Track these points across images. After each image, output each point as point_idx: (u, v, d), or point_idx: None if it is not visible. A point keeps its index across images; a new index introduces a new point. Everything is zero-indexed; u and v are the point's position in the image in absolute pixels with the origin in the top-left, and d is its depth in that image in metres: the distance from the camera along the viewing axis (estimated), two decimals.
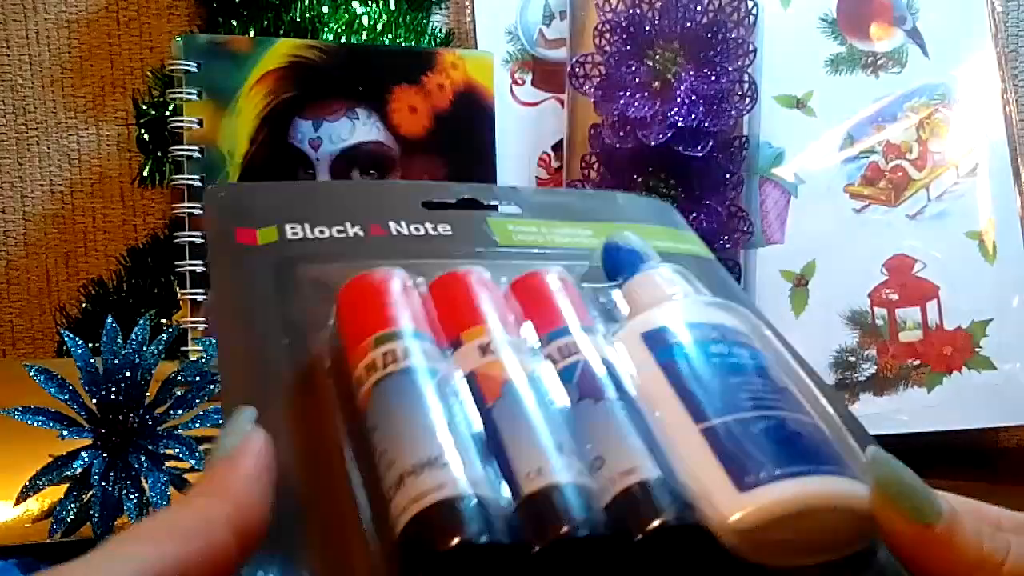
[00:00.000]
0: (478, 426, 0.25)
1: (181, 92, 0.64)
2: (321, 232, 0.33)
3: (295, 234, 0.32)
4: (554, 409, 0.26)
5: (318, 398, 0.27)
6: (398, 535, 0.23)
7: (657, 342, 0.28)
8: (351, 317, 0.28)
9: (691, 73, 0.63)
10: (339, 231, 0.33)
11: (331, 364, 0.28)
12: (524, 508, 0.23)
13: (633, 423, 0.26)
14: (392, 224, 0.34)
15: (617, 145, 0.63)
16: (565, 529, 0.23)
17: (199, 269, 0.63)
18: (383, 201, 0.36)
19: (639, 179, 0.64)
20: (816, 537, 0.24)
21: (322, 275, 0.30)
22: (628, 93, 0.63)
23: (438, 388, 0.26)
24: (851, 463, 0.26)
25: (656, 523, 0.23)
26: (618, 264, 0.33)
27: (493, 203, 0.37)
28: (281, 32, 0.67)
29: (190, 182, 0.64)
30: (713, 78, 0.63)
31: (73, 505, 0.50)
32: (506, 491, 0.24)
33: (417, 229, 0.34)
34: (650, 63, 0.64)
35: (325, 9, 0.67)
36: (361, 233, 0.33)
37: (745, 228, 0.64)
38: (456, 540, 0.22)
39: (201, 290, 0.63)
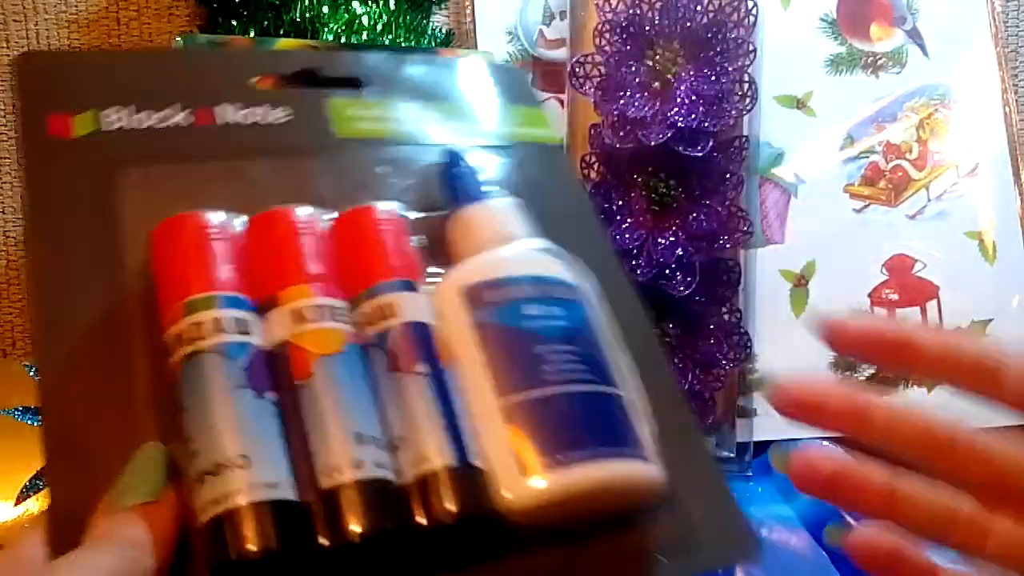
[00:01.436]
0: (285, 405, 0.26)
1: None
2: (141, 121, 0.30)
3: (114, 123, 0.30)
4: (362, 385, 0.26)
5: (125, 347, 0.27)
6: (197, 528, 0.24)
7: (474, 298, 0.29)
8: (164, 268, 0.27)
9: (691, 73, 0.63)
10: (162, 119, 0.30)
11: (144, 306, 0.27)
12: (319, 504, 0.24)
13: (438, 399, 0.27)
14: (221, 108, 0.31)
15: (617, 145, 0.63)
16: (353, 530, 0.24)
17: None
18: (214, 75, 0.33)
19: (639, 179, 0.64)
20: (594, 507, 0.27)
21: (141, 183, 0.29)
22: (628, 93, 0.63)
23: (246, 371, 0.25)
24: (635, 433, 0.27)
25: (441, 514, 0.25)
26: (453, 188, 0.33)
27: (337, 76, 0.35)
28: (281, 32, 0.66)
29: None
30: (713, 78, 0.63)
31: None
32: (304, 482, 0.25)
33: (248, 116, 0.32)
34: (650, 63, 0.64)
35: (325, 9, 0.67)
36: (186, 122, 0.31)
37: (745, 228, 0.64)
38: (244, 550, 0.23)
39: None
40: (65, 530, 0.24)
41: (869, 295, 0.68)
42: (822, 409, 0.29)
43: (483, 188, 0.33)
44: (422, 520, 0.25)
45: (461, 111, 0.36)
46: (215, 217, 0.28)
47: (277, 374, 0.26)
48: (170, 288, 0.27)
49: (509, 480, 0.26)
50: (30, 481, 0.50)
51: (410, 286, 0.29)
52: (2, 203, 0.69)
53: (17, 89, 0.30)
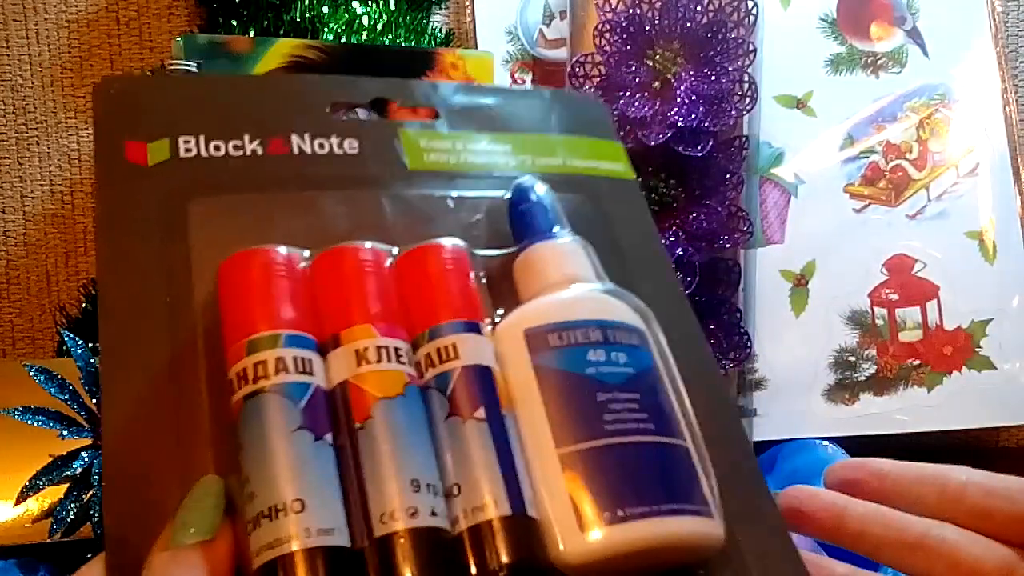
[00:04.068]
0: (343, 447, 0.26)
1: None
2: (216, 149, 0.31)
3: (188, 151, 0.30)
4: (421, 429, 0.26)
5: (190, 381, 0.27)
6: (252, 573, 0.24)
7: (537, 342, 0.28)
8: (229, 304, 0.27)
9: (691, 73, 0.63)
10: (236, 146, 0.31)
11: (210, 339, 0.27)
12: (373, 552, 0.24)
13: (497, 446, 0.26)
14: (294, 138, 0.32)
15: None
16: None
17: None
18: (287, 103, 0.33)
19: (639, 179, 0.64)
20: (652, 563, 0.26)
21: (212, 213, 0.29)
22: (628, 93, 0.63)
23: (306, 413, 0.25)
24: (697, 487, 0.27)
25: (492, 568, 0.25)
26: (520, 224, 0.32)
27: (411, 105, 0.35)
28: (281, 32, 0.66)
29: None
30: (713, 78, 0.63)
31: (73, 505, 0.50)
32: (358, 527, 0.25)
33: (321, 146, 0.32)
34: (650, 63, 0.64)
35: (325, 9, 0.67)
36: (260, 150, 0.31)
37: (745, 228, 0.64)
38: None
39: None
40: (121, 566, 0.24)
41: (869, 295, 0.68)
42: (801, 515, 0.33)
43: (551, 225, 0.32)
44: (474, 571, 0.25)
45: (533, 143, 0.36)
46: (281, 253, 0.28)
47: (336, 415, 0.26)
48: (235, 325, 0.27)
49: (566, 533, 0.25)
50: (30, 481, 0.50)
51: (473, 327, 0.28)
52: (2, 203, 0.69)
53: (96, 114, 0.31)
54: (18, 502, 0.50)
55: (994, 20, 0.70)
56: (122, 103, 0.31)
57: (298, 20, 0.67)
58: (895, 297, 0.68)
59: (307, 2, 0.67)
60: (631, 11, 0.64)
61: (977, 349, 0.67)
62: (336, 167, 0.32)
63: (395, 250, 0.30)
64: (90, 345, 0.53)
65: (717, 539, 0.27)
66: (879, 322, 0.68)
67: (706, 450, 0.28)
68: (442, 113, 0.35)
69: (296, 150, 0.32)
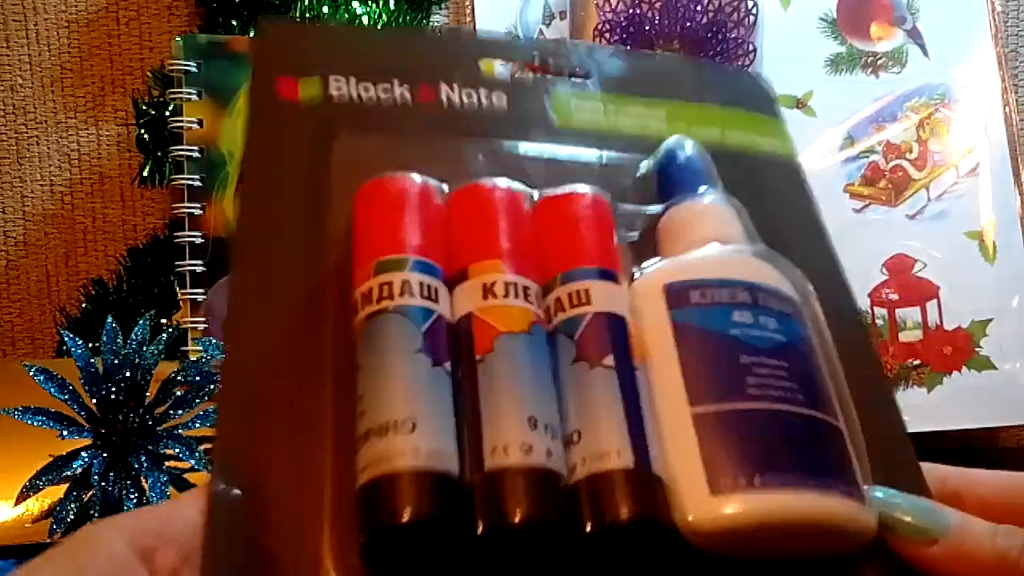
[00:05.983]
0: (461, 379, 0.24)
1: (181, 92, 0.64)
2: (366, 90, 0.31)
3: (338, 90, 0.30)
4: (544, 370, 0.25)
5: (316, 309, 0.27)
6: (356, 490, 0.23)
7: (677, 298, 0.26)
8: (362, 227, 0.27)
9: None
10: (385, 90, 0.31)
11: (340, 271, 0.27)
12: (482, 485, 0.23)
13: (624, 396, 0.24)
14: (443, 87, 0.32)
15: None
16: (512, 516, 0.22)
17: (199, 269, 0.63)
18: (439, 54, 0.33)
19: None
20: (789, 545, 0.24)
21: (354, 152, 0.29)
22: None
23: (426, 337, 0.24)
24: (849, 469, 0.24)
25: (610, 521, 0.23)
26: (669, 182, 0.30)
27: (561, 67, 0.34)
28: None
29: (190, 182, 0.64)
30: None
31: (73, 505, 0.50)
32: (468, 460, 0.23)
33: (469, 96, 0.32)
34: None
35: (325, 9, 0.67)
36: (408, 96, 0.31)
37: None
38: (400, 518, 0.22)
39: (201, 290, 0.63)
40: (227, 475, 0.23)
41: (869, 295, 0.68)
42: None
43: (700, 184, 0.30)
44: (588, 520, 0.23)
45: (689, 112, 0.34)
46: (420, 182, 0.28)
47: (457, 347, 0.25)
48: (365, 247, 0.26)
49: (694, 497, 0.23)
50: (30, 481, 0.50)
51: (609, 276, 0.27)
52: (2, 203, 0.69)
53: (253, 52, 0.32)
54: (18, 502, 0.50)
55: (994, 20, 0.70)
56: (278, 43, 0.32)
57: (298, 20, 0.67)
58: (895, 297, 0.68)
59: (307, 2, 0.67)
60: (631, 11, 0.64)
61: (977, 349, 0.67)
62: (482, 119, 0.32)
63: (535, 195, 0.29)
64: (90, 345, 0.53)
65: (868, 527, 0.24)
66: (879, 322, 0.68)
67: (864, 442, 0.26)
68: (595, 74, 0.34)
69: (444, 99, 0.31)
